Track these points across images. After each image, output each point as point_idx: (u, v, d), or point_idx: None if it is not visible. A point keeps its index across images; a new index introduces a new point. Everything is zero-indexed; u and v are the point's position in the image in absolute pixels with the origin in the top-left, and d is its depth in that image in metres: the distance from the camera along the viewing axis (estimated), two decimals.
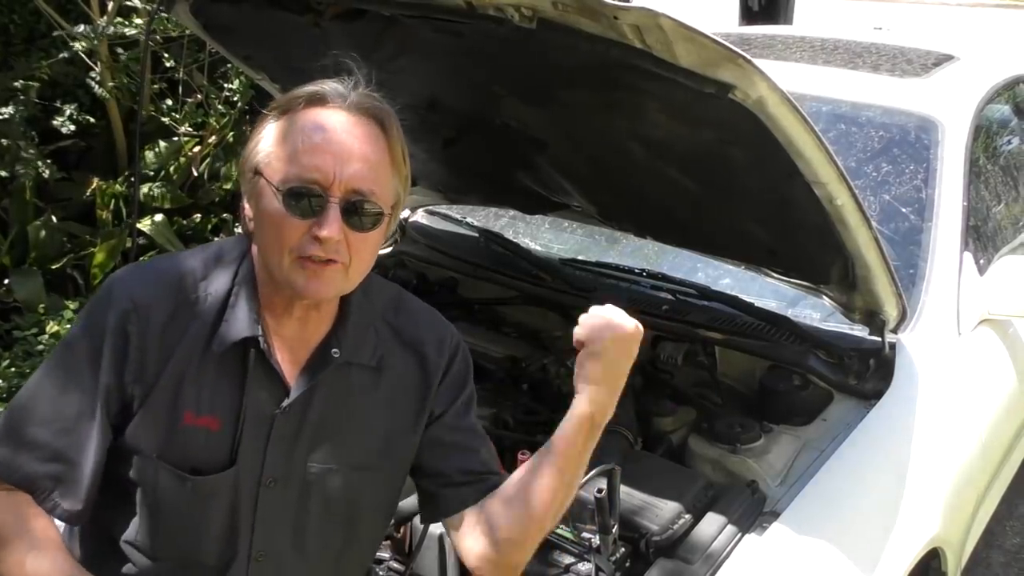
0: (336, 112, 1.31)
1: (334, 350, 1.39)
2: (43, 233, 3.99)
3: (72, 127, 4.08)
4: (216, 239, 4.38)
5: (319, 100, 1.32)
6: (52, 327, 3.61)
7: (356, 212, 1.30)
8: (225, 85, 4.47)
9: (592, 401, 1.37)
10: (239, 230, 4.42)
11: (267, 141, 1.32)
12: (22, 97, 3.98)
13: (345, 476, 1.42)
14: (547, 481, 1.40)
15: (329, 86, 1.33)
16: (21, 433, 1.33)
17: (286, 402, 1.37)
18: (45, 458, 1.32)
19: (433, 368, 1.48)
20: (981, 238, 2.56)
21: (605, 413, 1.39)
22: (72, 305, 3.76)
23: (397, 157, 1.35)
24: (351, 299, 1.42)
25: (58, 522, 1.37)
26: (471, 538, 1.45)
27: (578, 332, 1.38)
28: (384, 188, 1.33)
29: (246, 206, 1.36)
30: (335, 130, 1.29)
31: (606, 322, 1.37)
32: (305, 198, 1.28)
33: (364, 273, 1.38)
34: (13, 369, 3.44)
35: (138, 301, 1.34)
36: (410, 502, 1.84)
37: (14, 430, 1.34)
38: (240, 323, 1.35)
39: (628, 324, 1.37)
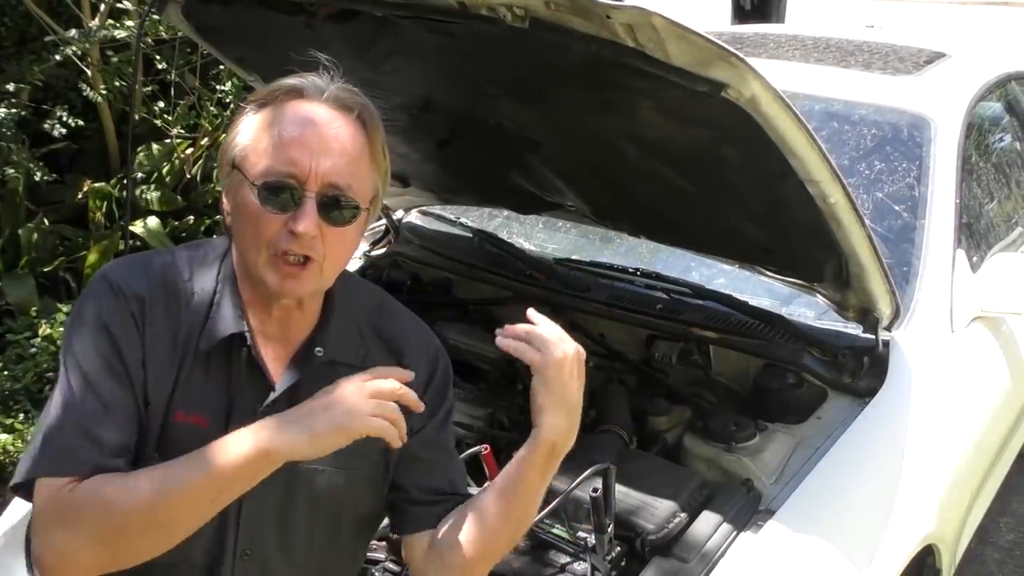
0: (314, 105, 1.30)
1: (317, 348, 1.39)
2: (35, 236, 3.98)
3: (63, 130, 4.07)
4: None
5: (297, 93, 1.31)
6: (45, 330, 3.60)
7: (333, 207, 1.29)
8: (217, 87, 4.46)
9: (554, 429, 1.36)
10: None
11: (244, 134, 1.32)
12: (13, 100, 3.97)
13: (330, 477, 1.42)
14: (503, 509, 1.40)
15: (308, 79, 1.32)
16: (61, 437, 1.28)
17: (269, 399, 1.36)
18: (112, 454, 1.28)
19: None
20: (974, 235, 2.57)
21: (567, 442, 1.38)
22: (65, 308, 3.75)
23: (376, 151, 1.34)
24: (334, 297, 1.42)
25: None
26: (425, 559, 1.45)
27: (527, 354, 1.34)
28: (362, 183, 1.32)
29: (224, 201, 1.36)
30: (312, 123, 1.29)
31: (553, 343, 1.35)
32: (281, 192, 1.27)
33: (340, 269, 1.37)
34: (6, 372, 3.43)
35: (137, 292, 1.33)
36: None
37: (56, 437, 1.28)
38: (226, 320, 1.35)
39: (570, 347, 1.36)
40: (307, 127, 1.28)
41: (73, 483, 1.24)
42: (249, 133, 1.31)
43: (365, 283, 1.53)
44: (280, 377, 1.38)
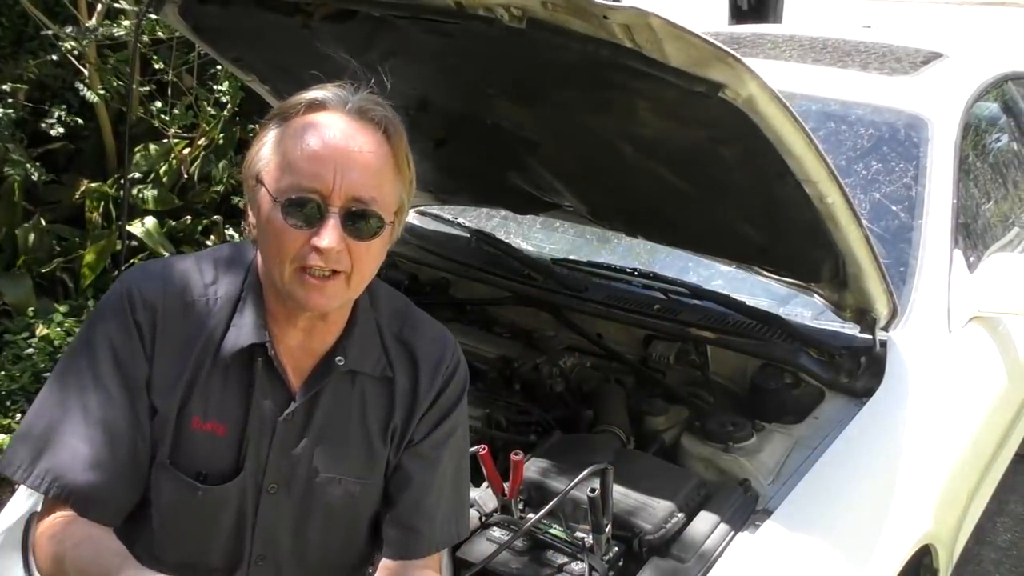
0: (336, 118, 1.28)
1: (338, 358, 1.38)
2: (32, 236, 3.97)
3: (61, 130, 4.06)
4: (209, 241, 4.36)
5: (319, 106, 1.29)
6: (42, 330, 3.59)
7: (357, 221, 1.27)
8: (215, 87, 4.45)
9: None
10: (230, 232, 4.42)
11: (267, 149, 1.30)
12: (10, 100, 3.97)
13: (347, 487, 1.41)
14: None
15: (330, 91, 1.31)
16: (54, 445, 1.30)
17: (289, 409, 1.37)
18: (87, 467, 1.30)
19: (423, 390, 1.45)
20: (971, 235, 2.57)
21: None
22: (62, 308, 3.75)
23: (400, 162, 1.32)
24: (358, 309, 1.41)
25: None
26: None
27: None
28: (386, 195, 1.30)
29: (249, 214, 1.35)
30: (335, 137, 1.27)
31: None
32: (305, 207, 1.25)
33: (366, 282, 1.36)
34: (3, 373, 3.43)
35: (149, 300, 1.34)
36: None
37: (45, 443, 1.31)
38: (247, 330, 1.35)
39: None
40: (330, 140, 1.26)
41: (66, 517, 1.29)
42: (272, 147, 1.30)
43: (390, 290, 1.51)
44: (300, 388, 1.38)
